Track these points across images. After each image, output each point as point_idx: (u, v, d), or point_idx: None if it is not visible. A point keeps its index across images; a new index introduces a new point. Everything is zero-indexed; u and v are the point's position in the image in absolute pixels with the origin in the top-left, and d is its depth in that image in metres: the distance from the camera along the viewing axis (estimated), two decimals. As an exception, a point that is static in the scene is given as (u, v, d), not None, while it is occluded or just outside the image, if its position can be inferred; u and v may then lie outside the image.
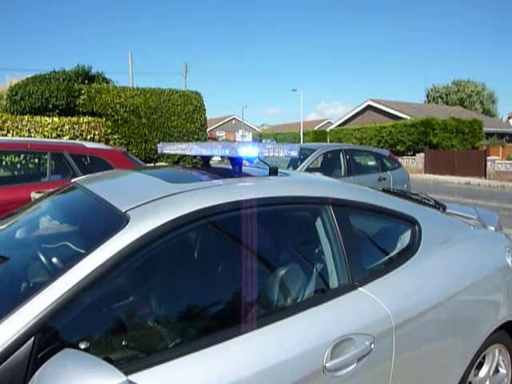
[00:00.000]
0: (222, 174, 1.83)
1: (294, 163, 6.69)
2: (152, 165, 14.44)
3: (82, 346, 1.15)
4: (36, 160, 5.58)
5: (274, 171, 1.81)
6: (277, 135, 37.15)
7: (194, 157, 2.13)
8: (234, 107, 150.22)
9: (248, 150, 1.69)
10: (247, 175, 1.82)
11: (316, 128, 42.18)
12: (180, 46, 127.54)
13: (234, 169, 1.79)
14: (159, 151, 2.35)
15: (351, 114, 32.23)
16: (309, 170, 6.58)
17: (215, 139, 51.97)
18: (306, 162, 6.66)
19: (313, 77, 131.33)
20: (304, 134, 33.30)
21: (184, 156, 2.54)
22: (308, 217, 1.76)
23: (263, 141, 11.43)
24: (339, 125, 32.75)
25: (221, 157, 1.82)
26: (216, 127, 57.81)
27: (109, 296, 1.30)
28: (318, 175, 2.51)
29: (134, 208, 1.36)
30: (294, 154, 1.75)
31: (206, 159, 2.19)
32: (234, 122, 59.13)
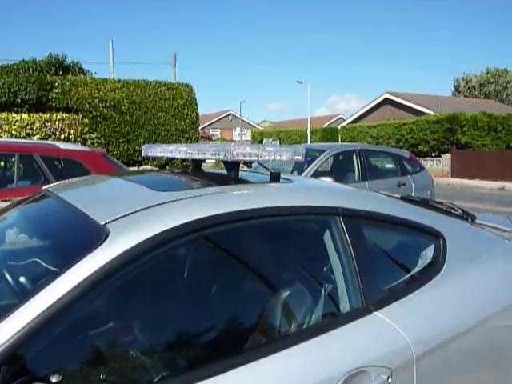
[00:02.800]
0: (215, 180, 1.84)
1: (299, 167, 6.70)
2: (136, 169, 14.48)
3: (54, 379, 1.15)
4: (1, 163, 5.61)
5: (275, 177, 1.83)
6: (280, 134, 37.18)
7: (184, 160, 2.16)
8: (230, 102, 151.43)
9: (245, 153, 1.70)
10: (245, 182, 1.83)
11: (326, 125, 42.18)
12: (169, 32, 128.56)
13: (230, 174, 1.81)
14: (144, 154, 2.37)
15: (366, 109, 32.42)
16: (317, 174, 6.59)
17: (209, 138, 51.04)
18: (313, 165, 6.69)
19: (322, 67, 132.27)
20: (311, 133, 33.29)
21: (172, 159, 2.55)
22: (315, 230, 1.77)
23: (264, 140, 11.57)
24: (352, 121, 32.90)
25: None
26: (210, 124, 57.77)
27: (86, 322, 1.31)
28: (326, 181, 2.52)
29: (114, 220, 1.37)
30: (299, 157, 1.77)
31: (198, 163, 2.21)
32: (230, 118, 59.23)
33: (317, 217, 1.72)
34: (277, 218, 1.64)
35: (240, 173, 1.84)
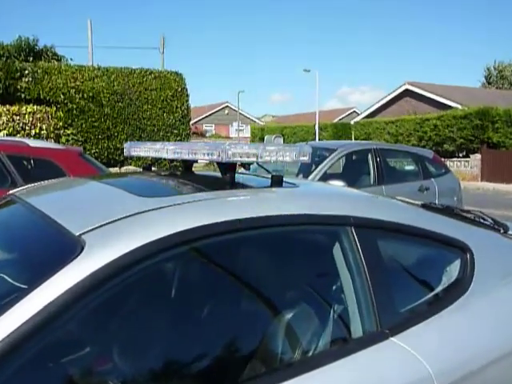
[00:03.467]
0: (208, 184, 1.84)
1: (306, 169, 6.65)
2: (117, 170, 14.44)
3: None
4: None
5: (277, 181, 1.84)
6: (284, 130, 37.10)
7: (173, 160, 2.17)
8: (227, 93, 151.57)
9: (243, 153, 1.71)
10: (242, 186, 1.83)
11: (337, 120, 42.10)
12: (158, 13, 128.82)
13: (224, 177, 1.81)
14: (126, 153, 2.37)
15: (383, 102, 32.46)
16: (326, 177, 6.53)
17: (202, 135, 51.49)
18: (322, 166, 6.68)
19: (332, 53, 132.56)
20: (320, 128, 33.17)
21: (159, 159, 2.55)
22: (323, 242, 1.77)
23: (266, 138, 11.50)
24: (367, 115, 32.94)
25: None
26: (203, 118, 57.57)
27: (57, 347, 1.30)
28: (337, 185, 2.53)
29: (90, 230, 1.36)
30: (305, 158, 1.78)
31: (188, 163, 2.22)
32: (227, 111, 58.68)
33: (325, 227, 1.72)
34: (279, 229, 1.63)
35: (236, 176, 1.84)
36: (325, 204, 1.79)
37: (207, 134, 54.65)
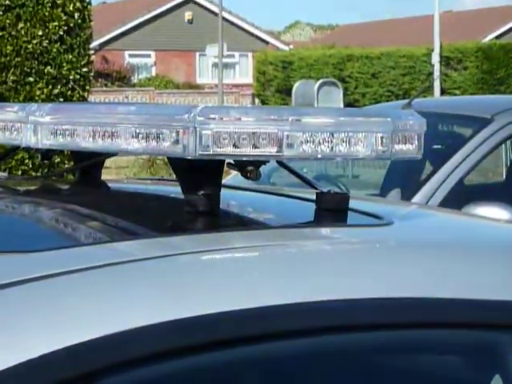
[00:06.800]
0: (147, 217, 1.08)
1: (405, 172, 3.45)
2: None
3: None
4: None
5: (334, 207, 0.99)
6: (346, 65, 18.16)
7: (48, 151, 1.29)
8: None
9: (240, 136, 0.87)
10: (236, 222, 1.08)
11: (490, 38, 20.56)
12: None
13: (190, 199, 0.96)
14: None
15: None
16: (464, 192, 3.25)
17: (120, 78, 26.21)
18: (451, 165, 3.16)
19: None
20: (447, 59, 17.65)
21: (16, 148, 1.01)
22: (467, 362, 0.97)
23: (295, 87, 8.89)
24: None
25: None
26: (124, 35, 28.77)
27: None
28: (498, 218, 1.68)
29: None
30: (410, 149, 0.96)
31: (86, 161, 1.26)
32: (188, 15, 29.61)
33: (479, 332, 0.92)
34: (351, 337, 0.83)
35: (223, 193, 0.99)
36: (479, 273, 0.95)
37: (134, 78, 27.69)
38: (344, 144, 0.91)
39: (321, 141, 0.89)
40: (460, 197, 3.01)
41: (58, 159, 7.64)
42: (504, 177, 3.97)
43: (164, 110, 1.07)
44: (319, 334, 0.79)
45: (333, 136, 0.89)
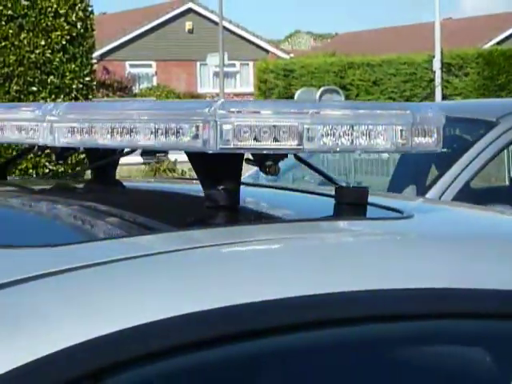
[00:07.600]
0: (170, 213, 1.09)
1: (414, 171, 3.53)
2: None
3: None
4: None
5: (352, 200, 1.00)
6: (347, 72, 18.89)
7: (63, 150, 1.23)
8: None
9: (261, 130, 0.86)
10: (257, 216, 1.08)
11: (491, 44, 21.86)
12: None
13: (211, 194, 0.95)
14: None
15: None
16: (474, 191, 3.38)
17: (121, 88, 26.55)
18: (459, 166, 3.16)
19: None
20: (449, 66, 17.36)
21: (31, 148, 1.49)
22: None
23: (298, 94, 8.80)
24: None
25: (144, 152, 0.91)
26: (124, 46, 28.86)
27: None
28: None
29: None
30: (430, 142, 0.95)
31: (103, 159, 1.26)
32: (189, 25, 29.60)
33: (497, 322, 0.87)
34: (371, 328, 0.81)
35: (242, 188, 1.00)
36: (500, 265, 0.92)
37: (135, 88, 27.82)
38: (364, 137, 0.90)
39: (341, 134, 0.89)
40: (466, 200, 2.86)
41: (62, 169, 7.58)
42: (510, 180, 3.99)
43: (183, 104, 1.10)
44: (344, 324, 0.79)
45: (353, 129, 0.89)
